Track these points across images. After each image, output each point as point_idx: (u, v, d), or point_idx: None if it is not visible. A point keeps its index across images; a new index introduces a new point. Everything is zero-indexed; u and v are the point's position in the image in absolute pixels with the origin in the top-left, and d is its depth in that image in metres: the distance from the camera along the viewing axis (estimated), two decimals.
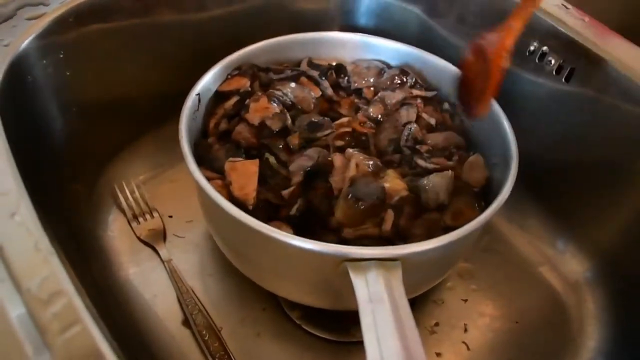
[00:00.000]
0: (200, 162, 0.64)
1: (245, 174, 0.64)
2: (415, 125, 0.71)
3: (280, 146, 0.68)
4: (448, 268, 0.70)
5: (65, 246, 0.58)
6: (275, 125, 0.69)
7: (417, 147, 0.69)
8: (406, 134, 0.70)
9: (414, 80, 0.78)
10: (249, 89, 0.74)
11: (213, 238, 0.81)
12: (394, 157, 0.70)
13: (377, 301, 0.49)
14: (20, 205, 0.51)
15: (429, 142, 0.71)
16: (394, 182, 0.64)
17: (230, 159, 0.66)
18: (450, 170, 0.66)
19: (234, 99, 0.73)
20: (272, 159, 0.67)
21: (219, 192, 0.59)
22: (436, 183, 0.64)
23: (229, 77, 0.75)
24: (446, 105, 0.77)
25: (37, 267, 0.46)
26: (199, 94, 0.70)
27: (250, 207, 0.61)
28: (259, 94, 0.72)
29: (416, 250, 0.54)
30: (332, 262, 0.54)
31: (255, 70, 0.77)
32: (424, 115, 0.73)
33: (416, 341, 0.47)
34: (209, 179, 0.61)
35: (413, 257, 0.55)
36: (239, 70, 0.76)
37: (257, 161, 0.65)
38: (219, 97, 0.74)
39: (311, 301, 0.68)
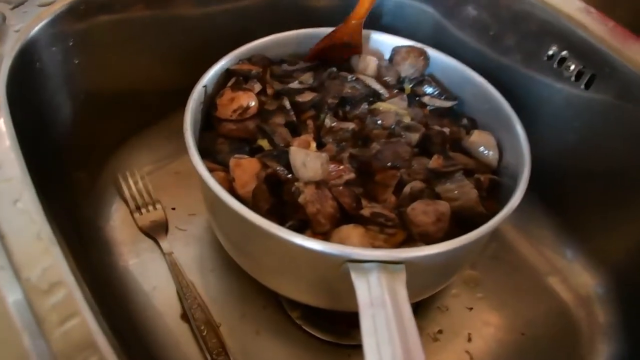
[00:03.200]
0: (205, 154, 0.65)
1: (249, 171, 0.65)
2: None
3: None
4: (453, 274, 0.70)
5: (67, 235, 0.60)
6: (271, 107, 0.72)
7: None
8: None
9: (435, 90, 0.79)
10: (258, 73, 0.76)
11: (215, 232, 0.82)
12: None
13: (379, 305, 0.49)
14: (23, 193, 0.53)
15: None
16: None
17: (236, 155, 0.67)
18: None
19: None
20: (264, 143, 0.69)
21: (221, 184, 0.59)
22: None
23: (240, 62, 0.77)
24: (464, 121, 0.77)
25: (38, 256, 0.48)
26: (205, 86, 0.71)
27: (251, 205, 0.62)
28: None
29: (421, 255, 0.55)
30: (333, 262, 0.54)
31: (267, 62, 0.78)
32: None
33: (418, 349, 0.47)
34: (211, 170, 0.62)
35: (418, 261, 0.55)
36: (249, 60, 0.78)
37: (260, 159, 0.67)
38: (228, 75, 0.76)
39: (311, 300, 0.69)
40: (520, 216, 0.85)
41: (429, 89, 0.79)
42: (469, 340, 0.77)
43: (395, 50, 0.82)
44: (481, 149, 0.72)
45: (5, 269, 0.47)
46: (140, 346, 0.71)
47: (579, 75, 0.76)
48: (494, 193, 0.68)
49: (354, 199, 0.62)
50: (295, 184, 0.62)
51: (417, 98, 0.79)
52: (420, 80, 0.80)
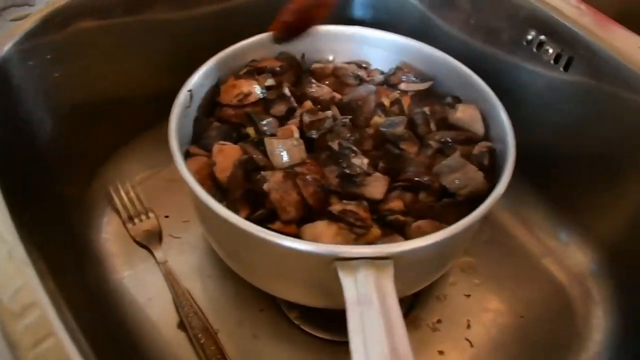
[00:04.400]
0: (196, 139, 0.65)
1: (230, 157, 0.63)
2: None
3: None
4: (446, 264, 0.68)
5: (51, 253, 0.57)
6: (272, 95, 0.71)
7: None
8: None
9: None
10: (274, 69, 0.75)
11: None
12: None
13: (366, 303, 0.47)
14: None
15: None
16: None
17: (220, 141, 0.65)
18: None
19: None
20: (251, 131, 0.67)
21: (202, 169, 0.59)
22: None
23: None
24: (448, 99, 0.74)
25: (10, 277, 0.45)
26: (190, 90, 0.68)
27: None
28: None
29: (409, 248, 0.52)
30: (323, 262, 0.52)
31: (295, 62, 0.78)
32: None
33: (405, 346, 0.45)
34: (194, 155, 0.62)
35: (406, 255, 0.52)
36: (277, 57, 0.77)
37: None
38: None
39: (307, 301, 0.67)
40: (513, 200, 0.84)
41: (403, 77, 0.77)
42: (468, 327, 0.75)
43: None
44: (468, 121, 0.70)
45: None
46: (138, 358, 0.69)
47: (557, 59, 0.75)
48: (493, 163, 0.66)
49: (319, 194, 0.60)
50: (262, 172, 0.61)
51: (394, 87, 0.77)
52: (393, 71, 0.79)
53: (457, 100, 0.74)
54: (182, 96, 0.67)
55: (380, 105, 0.72)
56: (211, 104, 0.72)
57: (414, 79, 0.77)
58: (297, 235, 0.57)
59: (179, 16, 0.85)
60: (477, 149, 0.66)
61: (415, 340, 0.72)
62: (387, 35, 0.80)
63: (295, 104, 0.70)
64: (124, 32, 0.80)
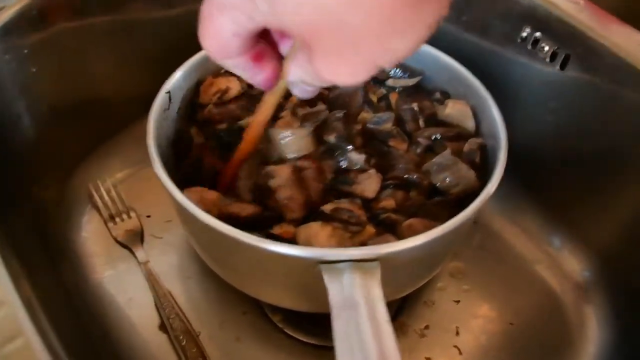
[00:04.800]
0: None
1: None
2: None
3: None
4: (435, 267, 0.67)
5: (27, 251, 0.55)
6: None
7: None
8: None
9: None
10: None
11: None
12: None
13: (352, 307, 0.46)
14: None
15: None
16: None
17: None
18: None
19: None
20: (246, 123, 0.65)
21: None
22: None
23: None
24: (437, 95, 0.73)
25: None
26: (169, 92, 0.66)
27: None
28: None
29: (396, 250, 0.51)
30: (307, 265, 0.51)
31: None
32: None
33: (394, 352, 0.43)
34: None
35: (393, 256, 0.51)
36: None
37: None
38: None
39: (291, 304, 0.66)
40: (505, 204, 0.83)
41: (390, 72, 0.75)
42: (457, 334, 0.73)
43: None
44: (458, 116, 0.69)
45: None
46: None
47: (553, 56, 0.73)
48: (484, 160, 0.65)
49: (324, 191, 0.60)
50: (267, 167, 0.59)
51: (382, 83, 0.75)
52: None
53: (446, 95, 0.73)
54: (160, 98, 0.64)
55: (368, 101, 0.70)
56: (191, 105, 0.70)
57: (401, 74, 0.75)
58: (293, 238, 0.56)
59: (159, 14, 0.84)
60: (468, 145, 0.65)
61: (403, 346, 0.70)
62: None
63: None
64: (103, 29, 0.79)
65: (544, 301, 0.78)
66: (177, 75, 0.68)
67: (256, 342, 0.71)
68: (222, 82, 0.69)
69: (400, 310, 0.74)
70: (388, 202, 0.60)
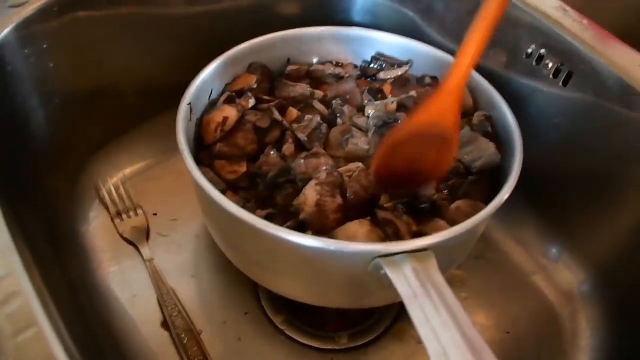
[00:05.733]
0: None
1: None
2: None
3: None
4: (468, 251, 0.69)
5: (38, 244, 0.57)
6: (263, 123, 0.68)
7: None
8: None
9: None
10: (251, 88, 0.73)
11: (197, 238, 0.81)
12: None
13: (423, 295, 0.47)
14: None
15: None
16: None
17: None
18: None
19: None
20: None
21: None
22: None
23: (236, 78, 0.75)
24: (428, 80, 0.76)
25: None
26: (190, 104, 0.66)
27: None
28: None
29: (447, 238, 0.53)
30: (362, 261, 0.53)
31: (267, 71, 0.77)
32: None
33: (472, 329, 0.45)
34: None
35: (444, 244, 0.53)
36: (249, 68, 0.76)
37: None
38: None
39: (337, 302, 0.66)
40: (505, 215, 0.84)
41: (378, 66, 0.79)
42: None
43: None
44: None
45: None
46: (118, 356, 0.68)
47: (556, 73, 0.74)
48: (494, 130, 0.69)
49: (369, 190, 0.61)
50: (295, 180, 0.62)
51: (373, 78, 0.78)
52: (368, 63, 0.80)
53: (435, 79, 0.76)
54: (183, 111, 0.64)
55: (371, 91, 0.73)
56: (197, 144, 0.70)
57: (390, 66, 0.78)
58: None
59: (174, 12, 0.84)
60: (476, 118, 0.68)
61: (401, 353, 0.72)
62: (364, 32, 0.81)
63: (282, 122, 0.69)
64: (120, 26, 0.80)
65: (540, 311, 0.79)
66: (197, 83, 0.68)
67: (257, 342, 0.72)
68: (218, 115, 0.68)
69: (399, 316, 0.75)
70: (430, 191, 0.63)
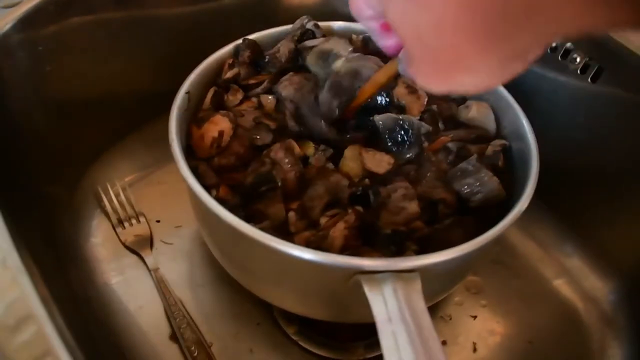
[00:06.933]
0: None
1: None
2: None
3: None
4: (464, 276, 0.68)
5: (41, 258, 0.54)
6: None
7: None
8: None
9: None
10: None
11: (203, 245, 0.79)
12: None
13: (398, 320, 0.45)
14: None
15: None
16: None
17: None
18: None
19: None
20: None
21: None
22: None
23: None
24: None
25: (4, 288, 0.42)
26: (188, 92, 0.65)
27: None
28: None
29: (436, 261, 0.50)
30: (343, 275, 0.50)
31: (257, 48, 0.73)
32: None
33: None
34: None
35: (432, 267, 0.50)
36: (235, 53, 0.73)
37: None
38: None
39: (318, 314, 0.64)
40: (523, 218, 0.80)
41: None
42: (475, 350, 0.73)
43: None
44: (480, 118, 0.68)
45: None
46: None
47: (584, 69, 0.72)
48: (508, 164, 0.65)
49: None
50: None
51: None
52: None
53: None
54: (180, 99, 0.63)
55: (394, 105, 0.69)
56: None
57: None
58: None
59: (171, 13, 0.84)
60: (491, 148, 0.64)
61: None
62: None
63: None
64: (118, 28, 0.79)
65: (565, 319, 0.77)
66: (195, 74, 0.67)
67: (270, 354, 0.70)
68: (212, 129, 0.64)
69: None
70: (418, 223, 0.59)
